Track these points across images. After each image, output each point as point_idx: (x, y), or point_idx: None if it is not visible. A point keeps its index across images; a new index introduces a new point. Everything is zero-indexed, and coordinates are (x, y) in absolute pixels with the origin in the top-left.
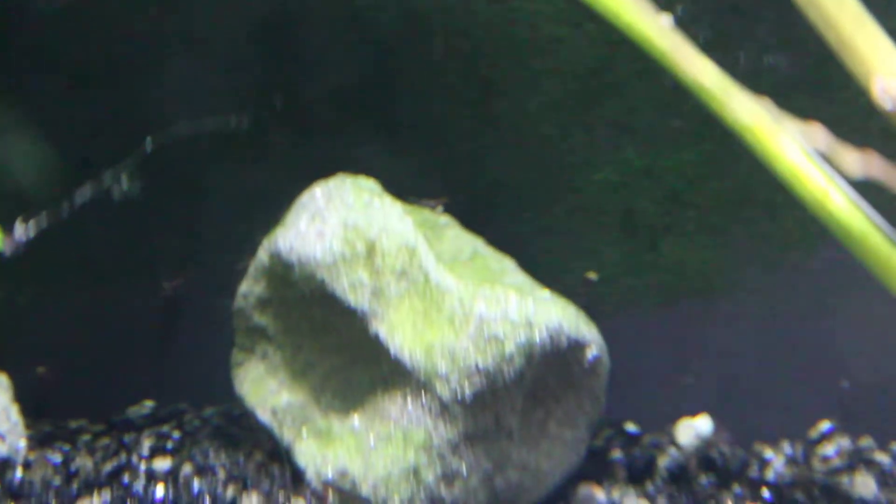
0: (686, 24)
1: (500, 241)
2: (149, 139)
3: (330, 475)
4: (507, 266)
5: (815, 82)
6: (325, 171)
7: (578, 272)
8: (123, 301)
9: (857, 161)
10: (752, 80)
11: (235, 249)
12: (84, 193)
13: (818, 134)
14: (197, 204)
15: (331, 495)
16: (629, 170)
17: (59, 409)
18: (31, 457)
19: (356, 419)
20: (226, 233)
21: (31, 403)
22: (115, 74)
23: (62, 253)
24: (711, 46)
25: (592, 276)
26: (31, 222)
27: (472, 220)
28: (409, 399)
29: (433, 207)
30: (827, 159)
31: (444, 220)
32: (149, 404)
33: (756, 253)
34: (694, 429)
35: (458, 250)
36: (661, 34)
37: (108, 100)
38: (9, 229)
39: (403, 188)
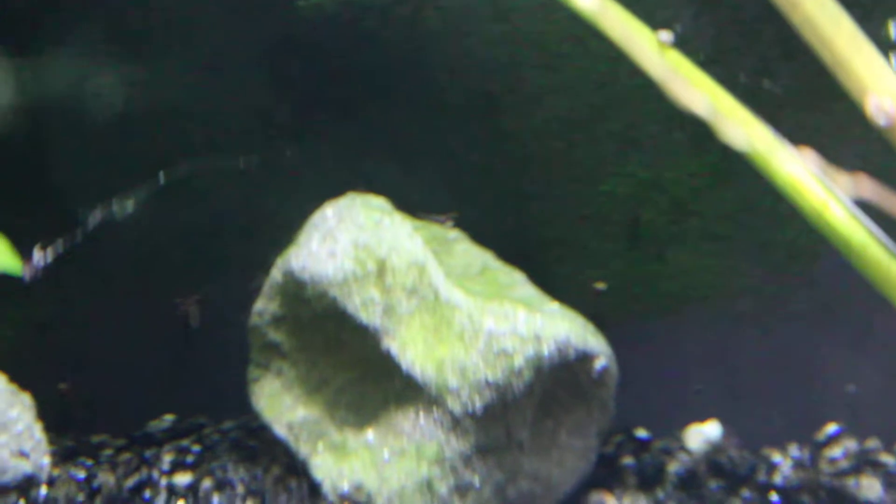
0: (686, 40)
1: (509, 253)
2: (162, 173)
3: (346, 489)
4: (516, 279)
5: (814, 93)
6: (335, 189)
7: (587, 282)
8: (143, 317)
9: (848, 183)
10: (753, 92)
11: (250, 268)
12: (103, 212)
13: (810, 157)
14: (212, 222)
15: None
16: (634, 181)
17: (81, 424)
18: (55, 473)
19: (370, 434)
20: (240, 251)
21: (53, 419)
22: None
23: (82, 270)
24: (712, 61)
25: (601, 285)
26: (49, 248)
27: (482, 234)
28: (421, 413)
29: (443, 222)
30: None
31: (454, 234)
32: (169, 418)
33: (761, 260)
34: (703, 434)
35: (467, 265)
36: (653, 64)
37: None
38: (28, 255)
39: (413, 204)
